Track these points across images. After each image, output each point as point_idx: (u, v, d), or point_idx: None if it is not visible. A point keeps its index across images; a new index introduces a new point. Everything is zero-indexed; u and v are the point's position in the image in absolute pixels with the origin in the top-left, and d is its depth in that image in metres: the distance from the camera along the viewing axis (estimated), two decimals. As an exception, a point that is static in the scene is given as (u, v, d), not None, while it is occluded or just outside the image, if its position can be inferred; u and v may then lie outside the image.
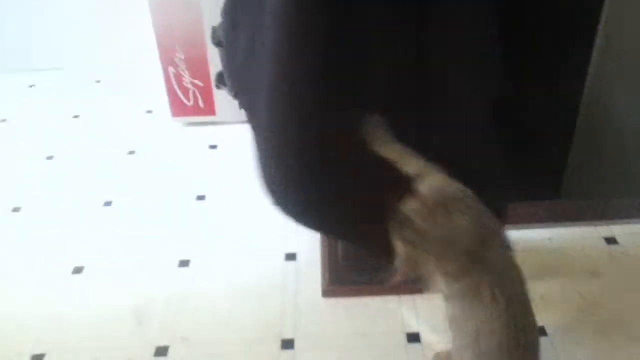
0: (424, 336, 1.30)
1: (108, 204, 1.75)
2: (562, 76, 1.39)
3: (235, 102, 1.31)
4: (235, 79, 1.28)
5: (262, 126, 1.11)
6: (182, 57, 1.90)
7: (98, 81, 2.39)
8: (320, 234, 1.47)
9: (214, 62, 1.89)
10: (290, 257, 1.53)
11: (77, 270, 1.52)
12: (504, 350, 0.96)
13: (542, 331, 1.30)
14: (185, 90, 1.98)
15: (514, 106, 1.28)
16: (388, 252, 1.27)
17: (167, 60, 1.91)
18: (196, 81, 1.95)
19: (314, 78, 1.01)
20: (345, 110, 1.03)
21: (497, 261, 0.98)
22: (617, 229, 1.56)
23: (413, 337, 1.30)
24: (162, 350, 1.30)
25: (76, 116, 2.19)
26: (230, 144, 1.97)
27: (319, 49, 0.99)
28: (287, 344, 1.30)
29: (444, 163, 1.13)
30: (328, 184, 1.11)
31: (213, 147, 1.97)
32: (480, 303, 0.96)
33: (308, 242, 1.55)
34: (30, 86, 2.40)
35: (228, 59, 1.28)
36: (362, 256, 1.41)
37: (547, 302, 1.36)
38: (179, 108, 2.02)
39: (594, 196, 1.64)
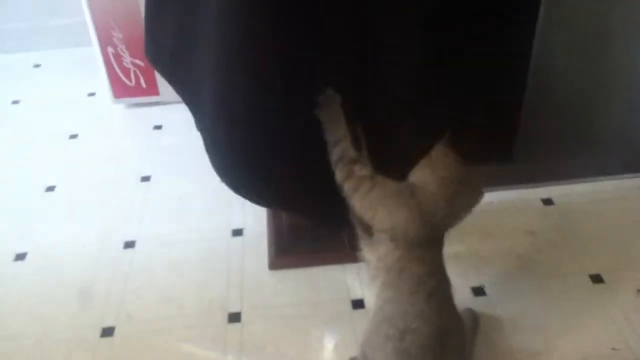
0: (368, 302, 1.33)
1: (51, 188, 1.72)
2: (509, 41, 1.42)
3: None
4: (167, 63, 1.25)
5: (215, 107, 1.10)
6: (120, 36, 1.86)
7: (37, 65, 2.33)
8: (270, 208, 1.48)
9: (154, 40, 1.86)
10: (237, 232, 1.53)
11: (20, 257, 1.50)
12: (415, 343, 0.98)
13: (482, 291, 1.35)
14: (126, 71, 1.94)
15: (463, 73, 1.31)
16: (340, 222, 1.29)
17: (105, 40, 1.87)
18: (137, 61, 1.92)
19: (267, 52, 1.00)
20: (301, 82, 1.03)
21: (429, 255, 1.00)
22: (553, 190, 1.62)
23: (358, 304, 1.33)
24: (108, 331, 1.30)
25: (16, 102, 2.13)
26: (175, 124, 1.95)
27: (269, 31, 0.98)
28: (234, 317, 1.32)
29: (389, 128, 1.15)
30: (284, 159, 1.12)
31: (158, 127, 1.95)
32: (400, 290, 0.99)
33: (254, 217, 1.56)
34: (-34, 72, 2.33)
35: (154, 44, 1.25)
36: (307, 228, 1.43)
37: (485, 263, 1.41)
38: (120, 89, 1.98)
39: (543, 158, 1.69)
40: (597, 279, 1.36)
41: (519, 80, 1.53)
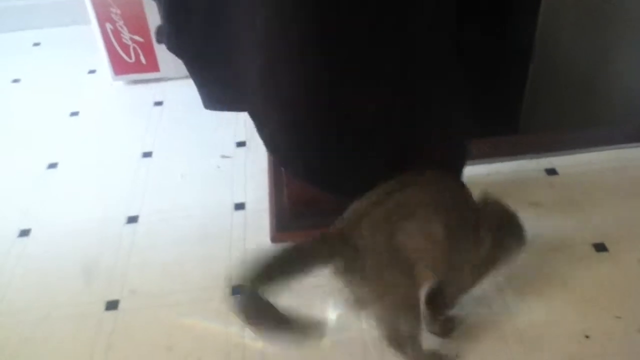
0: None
1: (53, 165, 1.72)
2: (514, 13, 1.40)
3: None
4: (194, 39, 1.23)
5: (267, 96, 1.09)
6: (118, 12, 1.84)
7: (37, 44, 2.31)
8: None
9: (152, 16, 1.84)
10: (239, 207, 1.53)
11: (24, 233, 1.50)
12: None
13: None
14: (125, 47, 1.93)
15: (468, 44, 1.30)
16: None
17: (103, 16, 1.86)
18: (136, 37, 1.90)
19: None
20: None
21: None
22: (557, 161, 1.60)
23: (361, 276, 1.33)
24: (112, 304, 1.30)
25: (16, 80, 2.12)
26: (176, 100, 1.94)
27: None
28: (237, 291, 1.31)
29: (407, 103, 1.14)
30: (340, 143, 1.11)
31: (158, 103, 1.94)
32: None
33: (256, 192, 1.56)
34: (-35, 53, 2.32)
35: (178, 19, 1.23)
36: (308, 202, 1.42)
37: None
38: (120, 66, 1.97)
39: (547, 130, 1.68)
40: (600, 247, 1.35)
41: (524, 52, 1.51)
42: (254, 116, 1.19)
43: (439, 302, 1.11)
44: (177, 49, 1.23)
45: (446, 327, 1.16)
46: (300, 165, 1.21)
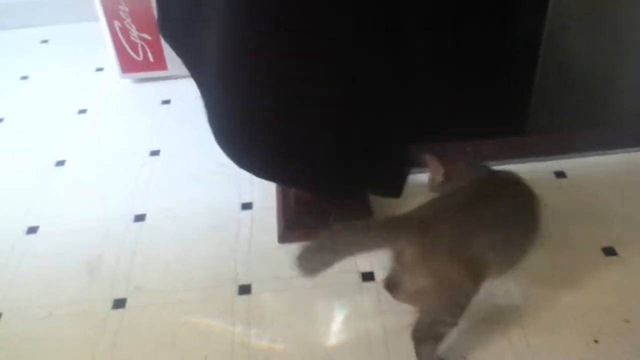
0: (378, 275, 1.32)
1: (61, 163, 1.72)
2: (521, 13, 1.39)
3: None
4: (175, 33, 1.25)
5: (222, 85, 1.09)
6: (127, 9, 1.84)
7: (45, 41, 2.32)
8: (271, 181, 1.46)
9: (161, 14, 1.84)
10: (246, 206, 1.53)
11: (32, 230, 1.50)
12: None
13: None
14: (133, 45, 1.93)
15: (474, 44, 1.29)
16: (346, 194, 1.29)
17: (111, 14, 1.86)
18: (144, 35, 1.90)
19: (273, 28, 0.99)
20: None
21: None
22: (565, 163, 1.59)
23: (367, 276, 1.33)
24: (119, 303, 1.30)
25: (24, 77, 2.13)
26: (184, 98, 1.94)
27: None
28: (243, 289, 1.32)
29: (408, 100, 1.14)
30: (292, 137, 1.11)
31: (166, 102, 1.94)
32: None
33: (263, 191, 1.56)
34: (-26, 49, 2.32)
35: (163, 13, 1.25)
36: (315, 202, 1.42)
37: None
38: (128, 64, 1.97)
39: (554, 131, 1.66)
40: (609, 251, 1.34)
41: (532, 52, 1.50)
42: (206, 101, 1.19)
43: None
44: (164, 33, 1.25)
45: None
46: (248, 157, 1.21)
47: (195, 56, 1.20)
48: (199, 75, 1.21)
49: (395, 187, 1.27)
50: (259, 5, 0.97)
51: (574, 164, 1.59)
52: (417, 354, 1.10)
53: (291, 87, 1.04)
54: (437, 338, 1.08)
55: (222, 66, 1.06)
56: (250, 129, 1.13)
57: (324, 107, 1.07)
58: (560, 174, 1.56)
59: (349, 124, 1.12)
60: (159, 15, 1.25)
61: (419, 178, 1.32)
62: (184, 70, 1.90)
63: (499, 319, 1.21)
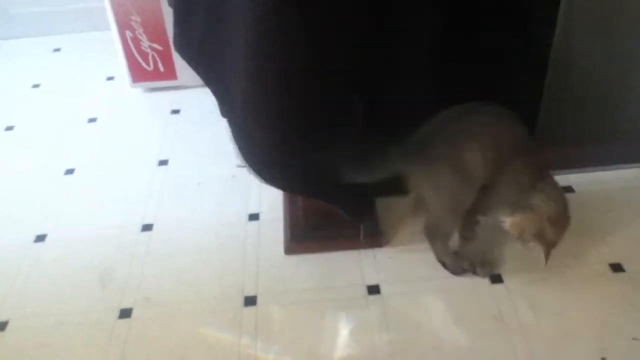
0: (383, 288, 1.33)
1: (70, 171, 1.73)
2: (530, 27, 1.40)
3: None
4: (194, 53, 1.25)
5: (242, 93, 1.10)
6: (139, 20, 1.86)
7: (57, 49, 2.34)
8: (295, 193, 1.47)
9: (171, 24, 1.84)
10: (253, 217, 1.54)
11: (40, 238, 1.52)
12: None
13: (499, 279, 1.34)
14: (144, 55, 1.94)
15: (484, 54, 1.30)
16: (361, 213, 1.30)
17: (123, 24, 1.87)
18: (155, 45, 1.92)
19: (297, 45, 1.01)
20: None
21: None
22: (573, 178, 1.59)
23: (373, 289, 1.33)
24: (126, 312, 1.31)
25: (36, 85, 2.15)
26: (193, 108, 1.96)
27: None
28: (250, 301, 1.32)
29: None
30: (307, 147, 1.12)
31: (175, 111, 1.96)
32: None
33: (270, 202, 1.56)
34: (-13, 57, 2.35)
35: (182, 34, 1.26)
36: (323, 214, 1.42)
37: (503, 250, 1.39)
38: (139, 73, 1.98)
39: (563, 146, 1.66)
40: (617, 268, 1.34)
41: (540, 67, 1.50)
42: (232, 121, 1.21)
43: (477, 207, 1.28)
44: (180, 48, 1.26)
45: (472, 233, 1.35)
46: (278, 172, 1.22)
47: (215, 72, 1.20)
48: (221, 93, 1.22)
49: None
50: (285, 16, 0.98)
51: (581, 179, 1.58)
52: (434, 250, 1.33)
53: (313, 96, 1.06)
54: (444, 237, 1.31)
55: (249, 84, 1.08)
56: (282, 147, 1.14)
57: (347, 114, 1.09)
58: (568, 189, 1.56)
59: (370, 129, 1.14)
60: (175, 32, 1.25)
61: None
62: (194, 81, 1.94)
63: (505, 334, 1.21)
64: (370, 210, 1.39)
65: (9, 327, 1.30)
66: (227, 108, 1.24)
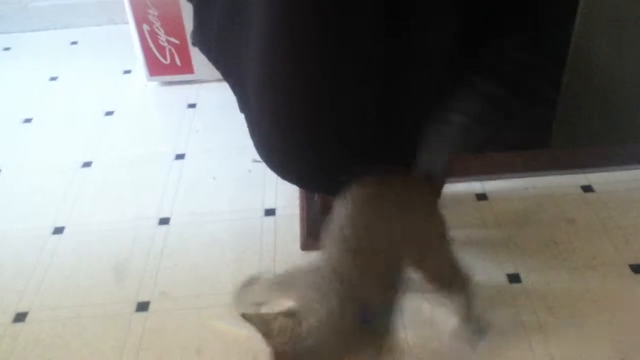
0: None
1: (87, 164, 1.74)
2: (548, 24, 1.38)
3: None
4: (212, 47, 1.25)
5: (259, 88, 1.10)
6: (156, 13, 1.86)
7: (74, 42, 2.35)
8: (312, 190, 1.47)
9: (189, 18, 1.84)
10: (270, 212, 1.53)
11: (58, 230, 1.52)
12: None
13: (517, 278, 1.32)
14: (161, 49, 1.95)
15: (499, 55, 1.28)
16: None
17: (140, 17, 1.88)
18: (172, 39, 1.92)
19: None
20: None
21: None
22: (593, 177, 1.57)
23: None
24: (143, 306, 1.32)
25: (53, 78, 2.16)
26: (210, 102, 1.96)
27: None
28: (266, 297, 1.32)
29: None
30: (325, 143, 1.12)
31: (192, 106, 1.96)
32: None
33: (286, 197, 1.56)
34: (5, 49, 2.36)
35: (201, 28, 1.25)
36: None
37: (522, 250, 1.38)
38: (156, 67, 1.99)
39: (581, 145, 1.65)
40: (637, 269, 1.32)
41: (558, 64, 1.49)
42: (248, 117, 1.20)
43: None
44: (199, 43, 1.25)
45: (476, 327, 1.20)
46: (293, 169, 1.21)
47: (234, 67, 1.20)
48: (238, 88, 1.22)
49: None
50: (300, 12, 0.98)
51: (602, 178, 1.57)
52: None
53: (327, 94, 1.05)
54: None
55: (265, 79, 1.07)
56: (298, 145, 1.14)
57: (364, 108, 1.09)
58: (587, 188, 1.54)
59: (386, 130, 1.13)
60: (195, 26, 1.25)
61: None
62: (210, 75, 1.94)
63: (523, 336, 1.20)
64: None
65: (28, 318, 1.31)
66: (244, 103, 1.24)
